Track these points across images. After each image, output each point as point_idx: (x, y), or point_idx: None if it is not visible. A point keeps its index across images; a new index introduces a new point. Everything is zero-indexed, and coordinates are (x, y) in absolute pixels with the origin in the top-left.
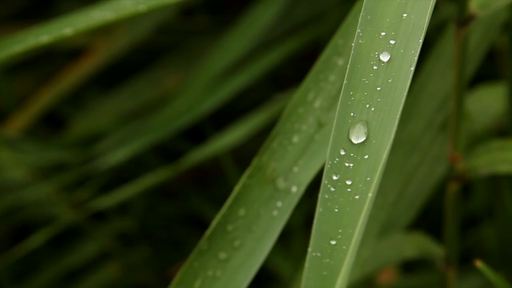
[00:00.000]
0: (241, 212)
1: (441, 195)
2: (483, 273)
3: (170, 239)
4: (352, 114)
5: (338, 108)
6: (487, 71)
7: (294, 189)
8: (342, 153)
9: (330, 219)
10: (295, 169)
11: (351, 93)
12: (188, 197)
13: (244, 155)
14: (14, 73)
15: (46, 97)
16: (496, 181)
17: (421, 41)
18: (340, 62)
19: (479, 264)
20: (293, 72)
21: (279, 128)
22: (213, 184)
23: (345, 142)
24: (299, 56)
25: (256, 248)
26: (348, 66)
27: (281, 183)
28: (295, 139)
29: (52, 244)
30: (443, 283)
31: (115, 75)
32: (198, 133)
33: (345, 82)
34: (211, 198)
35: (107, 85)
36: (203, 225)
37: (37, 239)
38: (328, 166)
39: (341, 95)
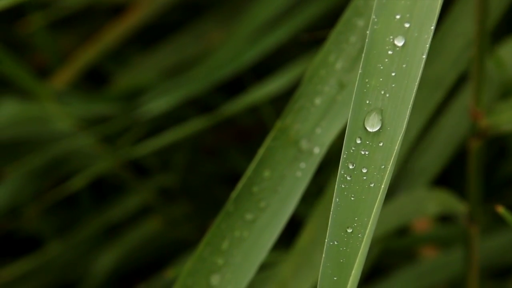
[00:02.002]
0: (266, 173)
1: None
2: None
3: (211, 196)
4: (367, 102)
5: (353, 97)
6: None
7: (316, 150)
8: (358, 141)
9: (346, 208)
10: (318, 130)
11: (367, 80)
12: (229, 155)
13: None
14: (58, 29)
15: (90, 53)
16: None
17: (433, 26)
18: (361, 23)
19: (500, 209)
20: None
21: (301, 90)
22: (254, 143)
23: (361, 131)
24: (338, 15)
25: (281, 208)
26: (363, 54)
27: (304, 145)
28: (317, 100)
29: (95, 199)
30: (466, 240)
31: (157, 31)
32: (240, 90)
33: (360, 71)
34: (252, 156)
35: (150, 41)
36: None
37: (77, 183)
38: (344, 156)
39: (356, 84)
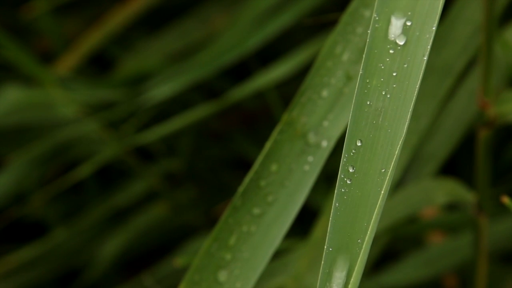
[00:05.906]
0: (273, 167)
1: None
2: None
3: (217, 181)
4: (368, 103)
5: (354, 98)
6: None
7: (324, 143)
8: (359, 144)
9: (346, 213)
10: (325, 123)
11: (368, 81)
12: (235, 139)
13: (292, 94)
14: (63, 14)
15: (94, 38)
16: None
17: (435, 26)
18: (367, 13)
19: (505, 200)
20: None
21: (308, 82)
22: (260, 127)
23: (361, 133)
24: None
25: (289, 202)
26: (364, 54)
27: (312, 138)
28: (324, 93)
29: (101, 185)
30: (475, 229)
31: (162, 15)
32: (246, 75)
33: (361, 72)
34: (258, 140)
35: (155, 25)
36: (249, 167)
37: (84, 171)
38: (344, 159)
39: (357, 85)
